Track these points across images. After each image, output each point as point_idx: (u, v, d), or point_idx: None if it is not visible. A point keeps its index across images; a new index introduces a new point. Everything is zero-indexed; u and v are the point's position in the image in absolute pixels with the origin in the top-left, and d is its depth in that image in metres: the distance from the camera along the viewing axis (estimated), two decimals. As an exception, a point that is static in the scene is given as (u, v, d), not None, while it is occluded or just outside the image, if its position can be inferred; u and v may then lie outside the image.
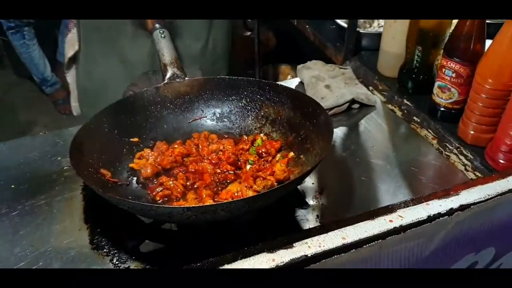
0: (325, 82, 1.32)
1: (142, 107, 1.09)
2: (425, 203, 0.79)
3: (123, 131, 1.05)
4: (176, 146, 1.06)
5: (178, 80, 1.12)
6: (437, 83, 1.13)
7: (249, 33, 3.15)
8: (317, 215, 0.95)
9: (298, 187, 1.02)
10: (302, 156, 1.02)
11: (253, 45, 2.65)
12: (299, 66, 1.43)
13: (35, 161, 1.10)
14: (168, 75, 1.12)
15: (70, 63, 1.60)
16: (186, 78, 1.13)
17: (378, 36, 1.39)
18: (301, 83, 1.40)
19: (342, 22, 1.55)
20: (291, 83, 1.43)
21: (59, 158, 1.10)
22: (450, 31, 1.11)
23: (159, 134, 1.09)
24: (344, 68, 1.41)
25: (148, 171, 0.99)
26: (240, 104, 1.15)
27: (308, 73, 1.37)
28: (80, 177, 0.87)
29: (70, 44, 1.55)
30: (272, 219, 0.95)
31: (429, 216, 0.77)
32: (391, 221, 0.76)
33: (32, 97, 3.02)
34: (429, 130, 1.16)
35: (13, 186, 1.03)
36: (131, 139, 1.06)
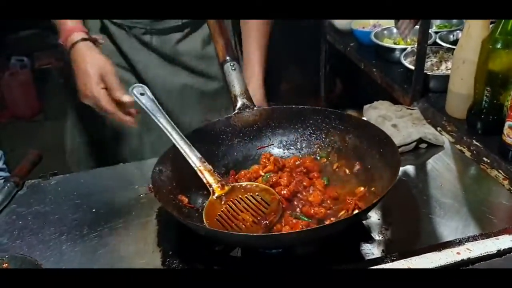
0: (392, 122, 1.33)
1: (215, 136, 1.15)
2: (494, 237, 0.78)
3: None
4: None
5: (247, 110, 1.17)
6: (507, 123, 1.11)
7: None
8: (383, 250, 0.95)
9: (364, 222, 1.03)
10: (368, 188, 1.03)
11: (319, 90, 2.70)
12: (365, 106, 1.45)
13: (115, 188, 1.18)
14: (238, 105, 1.17)
15: None
16: (255, 108, 1.18)
17: (445, 78, 1.39)
18: (368, 123, 1.42)
19: (409, 65, 1.57)
20: (358, 122, 1.45)
21: (136, 187, 1.18)
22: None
23: (230, 161, 1.15)
24: (412, 109, 1.42)
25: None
26: (306, 132, 1.19)
27: (375, 113, 1.39)
28: (162, 203, 0.94)
29: None
30: (337, 251, 0.96)
31: (498, 251, 0.76)
32: (458, 253, 0.76)
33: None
34: (500, 170, 1.14)
35: (94, 210, 1.11)
36: None
